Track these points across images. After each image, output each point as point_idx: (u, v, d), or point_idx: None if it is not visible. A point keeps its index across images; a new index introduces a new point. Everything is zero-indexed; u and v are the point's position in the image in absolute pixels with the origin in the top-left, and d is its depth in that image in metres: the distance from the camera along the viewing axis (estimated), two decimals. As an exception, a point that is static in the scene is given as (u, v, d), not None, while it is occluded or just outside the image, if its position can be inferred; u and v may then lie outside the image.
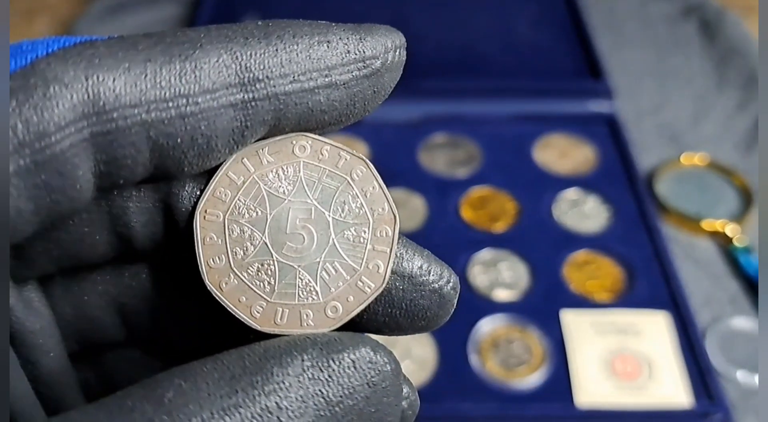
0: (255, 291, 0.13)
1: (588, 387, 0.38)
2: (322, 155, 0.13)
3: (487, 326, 0.41)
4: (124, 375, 0.16)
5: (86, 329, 0.15)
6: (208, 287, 0.13)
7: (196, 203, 0.13)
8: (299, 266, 0.13)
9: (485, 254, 0.45)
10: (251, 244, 0.13)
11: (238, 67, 0.13)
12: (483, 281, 0.43)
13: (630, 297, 0.42)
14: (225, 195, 0.13)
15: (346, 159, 0.13)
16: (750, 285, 0.45)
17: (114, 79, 0.12)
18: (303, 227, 0.13)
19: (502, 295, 0.42)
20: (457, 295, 0.15)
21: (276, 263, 0.13)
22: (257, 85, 0.13)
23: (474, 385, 0.38)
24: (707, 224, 0.48)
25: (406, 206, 0.48)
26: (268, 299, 0.13)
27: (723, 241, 0.47)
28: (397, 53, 0.14)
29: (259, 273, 0.13)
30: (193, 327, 0.16)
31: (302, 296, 0.13)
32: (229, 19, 0.63)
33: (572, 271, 0.44)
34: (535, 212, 0.48)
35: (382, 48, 0.14)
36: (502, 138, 0.53)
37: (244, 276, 0.13)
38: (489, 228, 0.46)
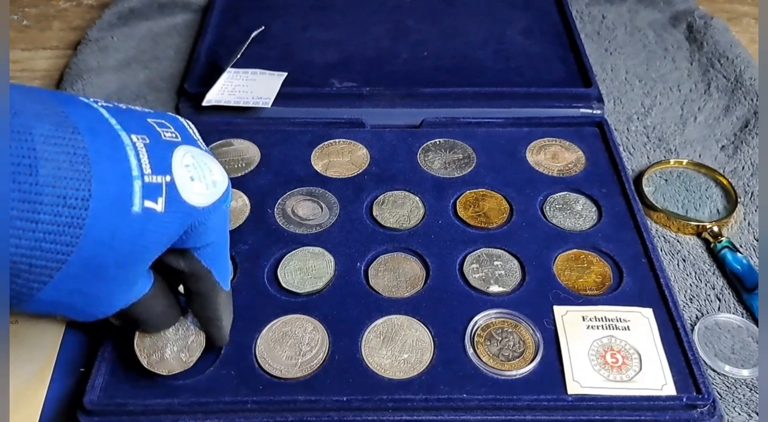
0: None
1: (579, 378, 0.38)
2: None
3: (482, 319, 0.41)
4: None
5: None
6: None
7: None
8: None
9: (480, 251, 0.45)
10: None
11: None
12: (478, 276, 0.43)
13: (619, 293, 0.42)
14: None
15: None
16: (733, 282, 0.45)
17: None
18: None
19: (496, 290, 0.43)
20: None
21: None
22: None
23: (469, 376, 0.38)
24: (693, 223, 0.49)
25: (404, 206, 0.48)
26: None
27: (708, 239, 0.48)
28: None
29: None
30: None
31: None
32: (234, 26, 0.64)
33: (563, 268, 0.44)
34: (527, 211, 0.48)
35: None
36: (496, 142, 0.53)
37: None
38: (484, 227, 0.47)
